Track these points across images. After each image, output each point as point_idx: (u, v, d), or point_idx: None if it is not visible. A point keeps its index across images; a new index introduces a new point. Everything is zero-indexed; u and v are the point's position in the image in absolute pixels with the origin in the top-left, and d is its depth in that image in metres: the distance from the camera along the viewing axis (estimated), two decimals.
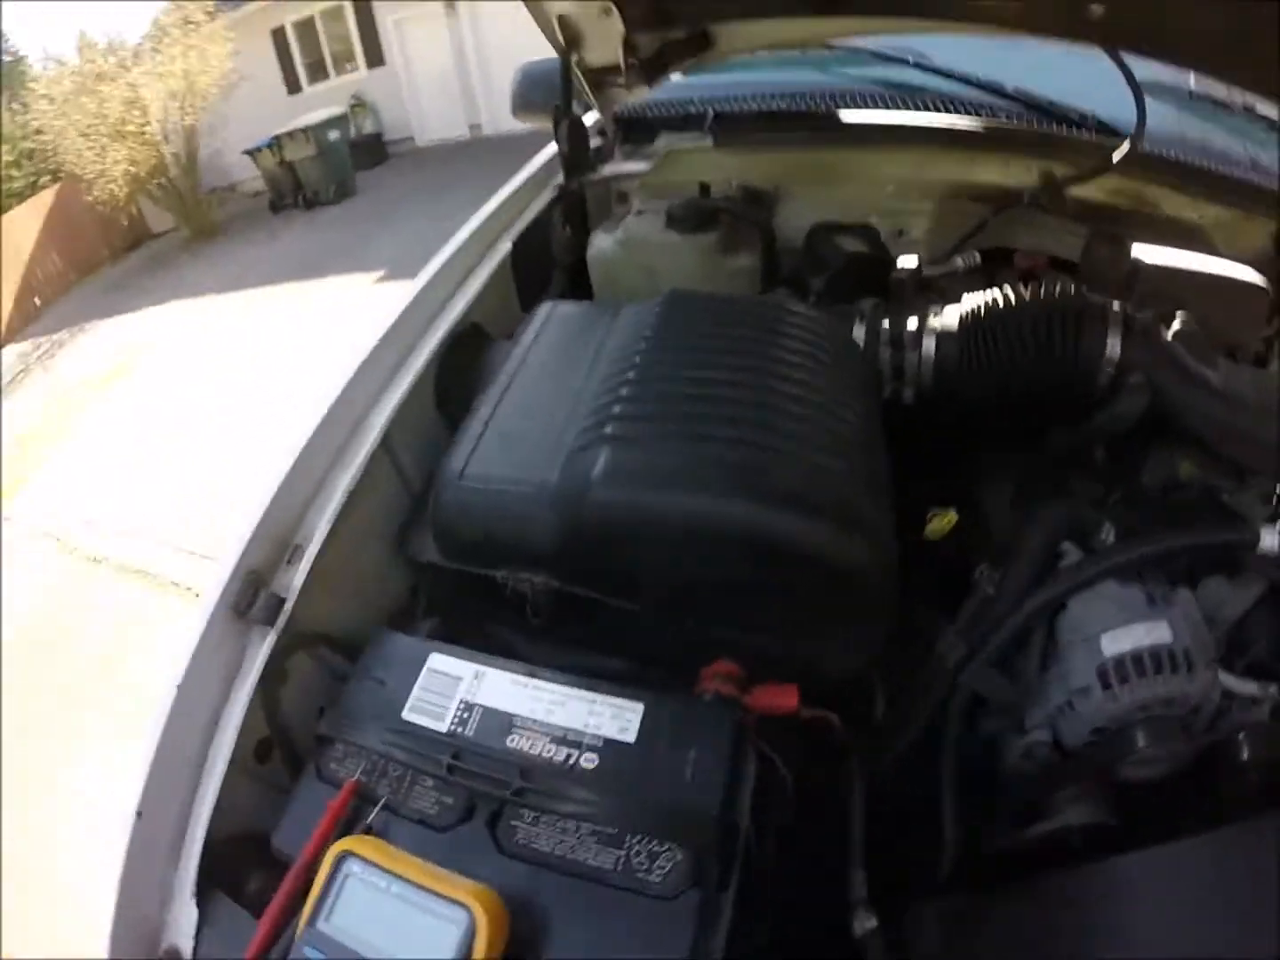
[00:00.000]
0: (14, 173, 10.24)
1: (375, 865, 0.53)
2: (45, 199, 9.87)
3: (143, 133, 8.87)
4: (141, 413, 5.66)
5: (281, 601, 0.75)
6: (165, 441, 5.03)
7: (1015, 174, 1.19)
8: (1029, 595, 0.73)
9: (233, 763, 0.70)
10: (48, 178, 10.21)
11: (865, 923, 0.66)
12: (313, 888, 0.54)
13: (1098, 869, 0.64)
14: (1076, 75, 1.22)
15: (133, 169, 8.99)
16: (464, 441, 0.80)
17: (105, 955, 0.60)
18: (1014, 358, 0.88)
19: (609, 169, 1.42)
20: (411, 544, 0.86)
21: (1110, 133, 1.18)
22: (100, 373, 6.67)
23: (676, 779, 0.58)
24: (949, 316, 0.93)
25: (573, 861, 0.55)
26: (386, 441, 0.91)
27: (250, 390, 5.14)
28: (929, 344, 0.92)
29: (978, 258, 1.18)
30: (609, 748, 0.60)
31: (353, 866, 0.54)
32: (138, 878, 0.63)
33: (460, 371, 1.00)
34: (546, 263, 1.32)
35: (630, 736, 0.61)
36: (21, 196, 9.91)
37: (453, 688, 0.67)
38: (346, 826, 0.60)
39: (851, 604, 0.71)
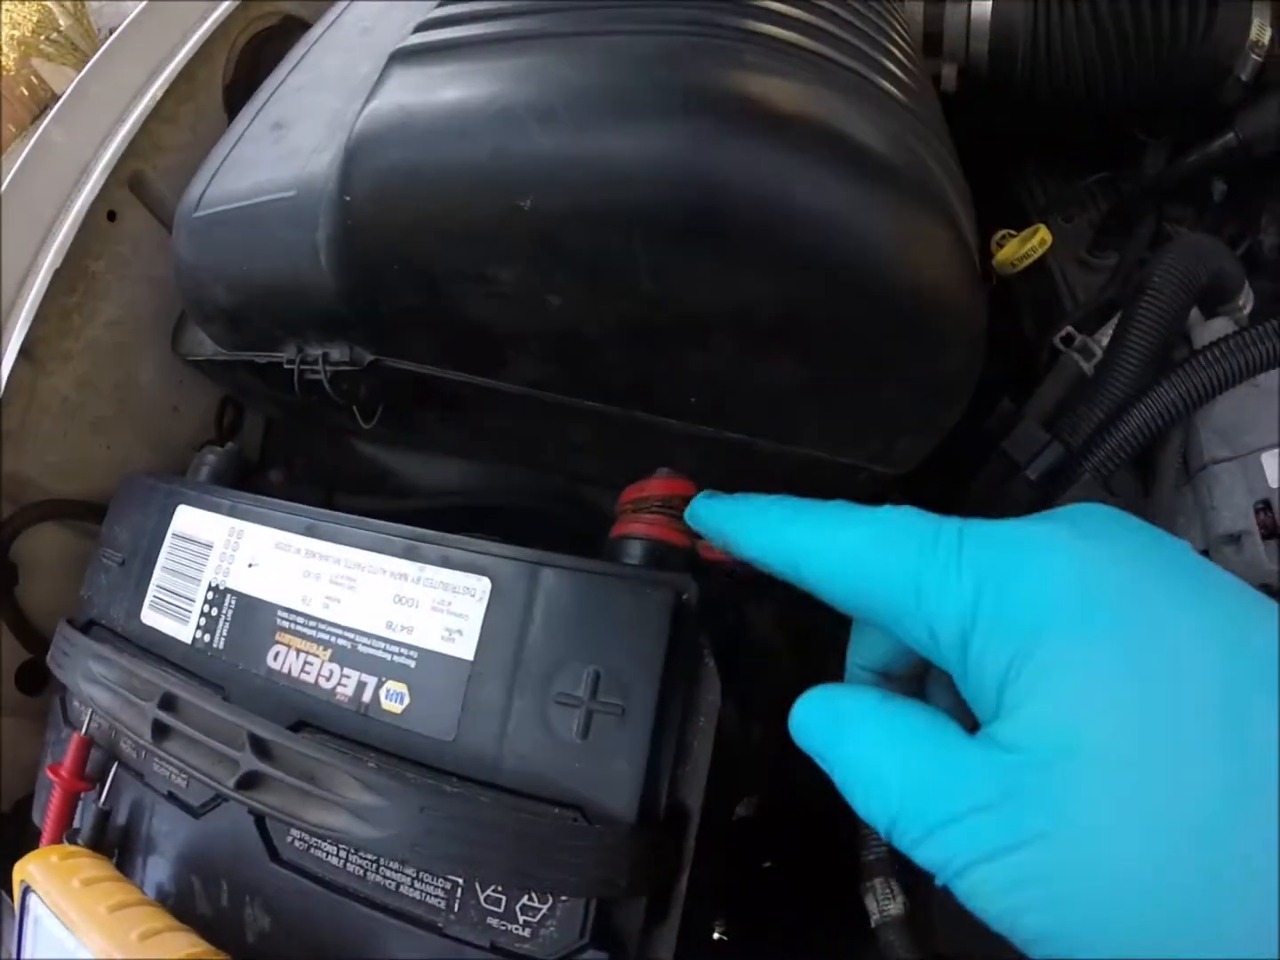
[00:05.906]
0: None
1: (53, 913, 0.30)
2: None
3: None
4: None
5: None
6: None
7: None
8: (1159, 379, 0.44)
9: None
10: None
11: (885, 905, 0.37)
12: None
13: None
14: None
15: (15, 32, 7.86)
16: (212, 158, 0.45)
17: None
18: (1110, 27, 0.55)
19: None
20: (185, 336, 0.53)
21: None
22: None
23: (551, 739, 0.28)
24: None
25: (376, 888, 0.29)
26: (137, 181, 0.52)
27: None
28: None
29: None
30: (429, 668, 0.31)
31: (37, 908, 0.32)
32: None
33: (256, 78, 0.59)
34: None
35: (466, 645, 0.31)
36: None
37: (202, 562, 0.39)
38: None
39: (922, 346, 0.34)
